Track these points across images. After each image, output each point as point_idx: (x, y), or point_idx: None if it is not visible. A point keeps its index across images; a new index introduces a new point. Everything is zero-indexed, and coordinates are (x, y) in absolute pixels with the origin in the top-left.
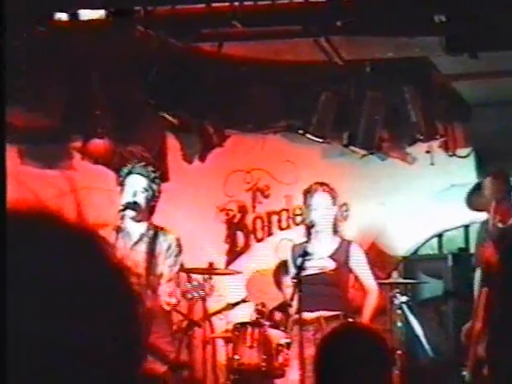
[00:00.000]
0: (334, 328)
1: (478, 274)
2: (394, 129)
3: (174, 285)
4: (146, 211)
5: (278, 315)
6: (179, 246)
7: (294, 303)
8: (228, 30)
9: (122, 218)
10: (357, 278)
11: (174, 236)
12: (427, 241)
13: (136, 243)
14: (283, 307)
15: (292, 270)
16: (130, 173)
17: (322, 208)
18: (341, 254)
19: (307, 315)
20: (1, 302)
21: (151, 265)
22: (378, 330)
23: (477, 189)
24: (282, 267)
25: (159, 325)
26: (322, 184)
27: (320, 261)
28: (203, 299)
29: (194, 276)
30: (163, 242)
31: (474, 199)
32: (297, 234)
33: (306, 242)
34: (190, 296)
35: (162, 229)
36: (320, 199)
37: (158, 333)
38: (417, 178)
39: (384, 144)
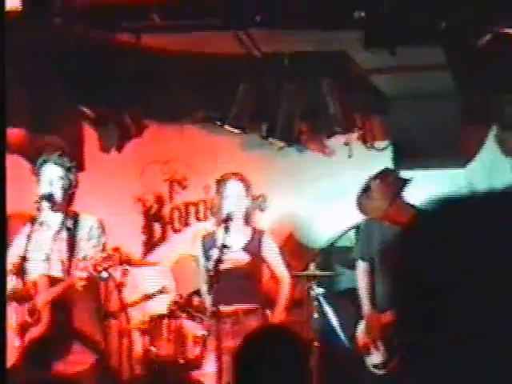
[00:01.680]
0: (250, 331)
1: (360, 266)
2: (312, 121)
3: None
4: (63, 201)
5: (195, 300)
6: (101, 227)
7: (210, 296)
8: (146, 21)
9: (39, 208)
10: (270, 269)
11: (94, 218)
12: (345, 233)
13: (58, 232)
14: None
15: (202, 262)
16: (45, 162)
17: (233, 196)
18: (254, 246)
19: (225, 308)
20: (1, 303)
21: (74, 250)
22: (291, 324)
23: (366, 190)
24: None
25: (82, 310)
26: (235, 173)
27: (233, 253)
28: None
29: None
30: (85, 227)
31: (363, 202)
32: (213, 225)
33: (221, 232)
34: (100, 268)
35: (81, 214)
36: (232, 187)
37: (82, 319)
38: (335, 170)
39: (302, 136)
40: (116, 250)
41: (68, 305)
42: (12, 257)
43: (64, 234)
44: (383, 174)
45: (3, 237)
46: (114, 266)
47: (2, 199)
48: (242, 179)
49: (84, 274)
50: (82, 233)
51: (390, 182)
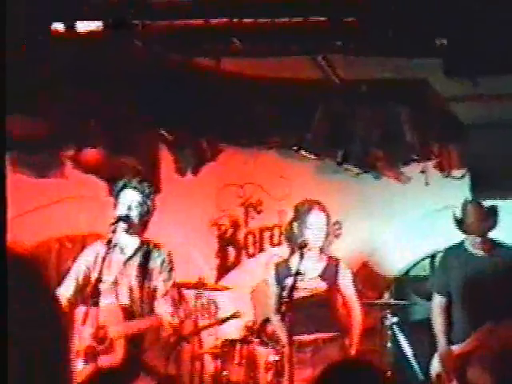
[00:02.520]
0: (330, 363)
1: (437, 300)
2: (388, 148)
3: (171, 301)
4: (139, 226)
5: (270, 328)
6: (172, 261)
7: (283, 324)
8: (226, 45)
9: (114, 230)
10: (343, 297)
11: (166, 251)
12: (419, 261)
13: (130, 258)
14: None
15: (273, 289)
16: (125, 186)
17: (316, 228)
18: (330, 274)
19: (304, 337)
20: (1, 304)
21: (145, 279)
22: (365, 353)
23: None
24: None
25: (151, 340)
26: (317, 202)
27: (310, 281)
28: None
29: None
30: (157, 258)
31: (461, 221)
32: (288, 252)
33: (297, 259)
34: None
35: (155, 245)
36: (316, 218)
37: (151, 349)
38: (411, 197)
39: (378, 163)
40: (200, 279)
41: (143, 339)
42: (78, 268)
43: (136, 261)
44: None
45: (3, 238)
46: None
47: (2, 203)
48: (325, 209)
49: (175, 321)
50: (154, 263)
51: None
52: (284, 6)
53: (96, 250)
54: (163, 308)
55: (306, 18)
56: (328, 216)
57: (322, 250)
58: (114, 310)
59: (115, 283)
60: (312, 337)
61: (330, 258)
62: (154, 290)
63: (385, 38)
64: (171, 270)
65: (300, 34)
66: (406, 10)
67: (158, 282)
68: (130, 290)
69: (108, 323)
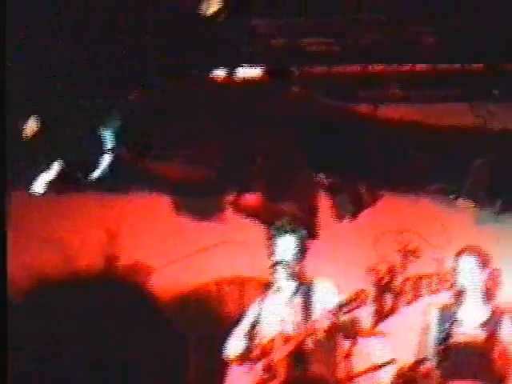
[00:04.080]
0: None
1: None
2: None
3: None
4: (296, 269)
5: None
6: (337, 292)
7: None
8: (384, 91)
9: (273, 273)
10: (503, 349)
11: (330, 282)
12: None
13: (292, 297)
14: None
15: (435, 332)
16: (281, 230)
17: (466, 271)
18: (492, 325)
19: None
20: (1, 304)
21: (309, 312)
22: None
23: None
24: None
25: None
26: (470, 247)
27: (470, 329)
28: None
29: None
30: (321, 289)
31: None
32: (446, 299)
33: (455, 306)
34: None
35: (316, 279)
36: (466, 262)
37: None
38: None
39: None
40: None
41: (305, 356)
42: (246, 323)
43: (298, 299)
44: None
45: (4, 241)
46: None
47: (2, 200)
48: (477, 252)
49: (326, 324)
50: (318, 295)
51: None
52: (442, 52)
53: (258, 303)
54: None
55: (464, 64)
56: (482, 260)
57: (487, 299)
58: (277, 339)
59: (281, 321)
60: None
61: (495, 309)
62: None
63: None
64: (336, 297)
65: (458, 81)
66: None
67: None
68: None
69: (272, 352)
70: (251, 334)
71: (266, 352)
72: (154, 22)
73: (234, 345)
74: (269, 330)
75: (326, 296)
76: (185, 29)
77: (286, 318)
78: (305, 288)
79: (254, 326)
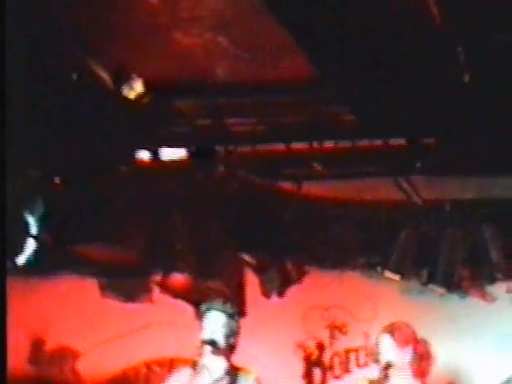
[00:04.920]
0: None
1: None
2: (473, 267)
3: None
4: (225, 348)
5: None
6: None
7: None
8: (307, 169)
9: (200, 354)
10: None
11: (254, 377)
12: (509, 382)
13: (219, 379)
14: None
15: None
16: (209, 309)
17: (385, 349)
18: None
19: None
20: (1, 305)
21: None
22: None
23: None
24: None
25: None
26: (389, 325)
27: None
28: None
29: None
30: (244, 382)
31: None
32: (375, 372)
33: (383, 381)
34: None
35: (242, 370)
36: (384, 341)
37: None
38: (497, 317)
39: (463, 283)
40: None
41: None
42: None
43: (225, 382)
44: None
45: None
46: None
47: (2, 203)
48: (397, 332)
49: None
50: None
51: None
52: (363, 128)
53: (185, 374)
54: None
55: (386, 140)
56: (399, 337)
57: (416, 373)
58: None
59: None
60: None
61: (423, 382)
62: None
63: (465, 157)
64: None
65: (380, 157)
66: (484, 129)
67: None
68: None
69: None
70: None
71: None
72: (73, 107)
73: None
74: None
75: None
76: (108, 113)
77: None
78: (232, 375)
79: None
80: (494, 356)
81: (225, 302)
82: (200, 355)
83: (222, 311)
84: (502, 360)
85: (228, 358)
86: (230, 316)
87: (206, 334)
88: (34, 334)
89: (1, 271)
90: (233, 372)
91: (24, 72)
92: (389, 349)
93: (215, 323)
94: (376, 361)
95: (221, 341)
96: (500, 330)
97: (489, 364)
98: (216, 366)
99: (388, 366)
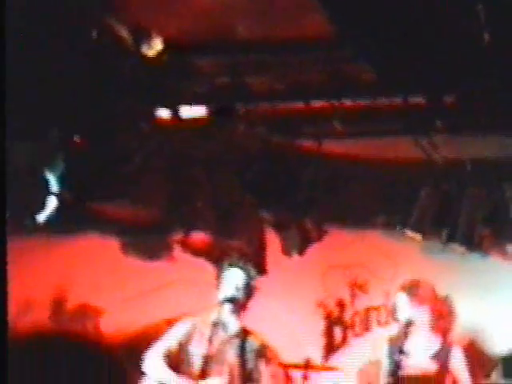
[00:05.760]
0: None
1: None
2: (494, 226)
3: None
4: (241, 307)
5: None
6: (263, 352)
7: None
8: (327, 127)
9: (220, 311)
10: (454, 379)
11: (261, 343)
12: None
13: (231, 337)
14: None
15: (385, 364)
16: (230, 267)
17: (401, 307)
18: (442, 356)
19: None
20: (1, 305)
21: (244, 360)
22: None
23: None
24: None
25: None
26: (407, 283)
27: (421, 361)
28: None
29: None
30: (250, 349)
31: None
32: (395, 331)
33: (403, 338)
34: None
35: (252, 333)
36: (399, 299)
37: None
38: None
39: (484, 242)
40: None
41: None
42: (168, 340)
43: (237, 341)
44: None
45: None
46: None
47: (2, 203)
48: (414, 289)
49: None
50: (249, 350)
51: None
52: (383, 87)
53: (193, 323)
54: None
55: (406, 98)
56: (416, 295)
57: (435, 330)
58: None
59: (212, 357)
60: None
61: (445, 340)
62: (250, 373)
63: (485, 115)
64: (261, 364)
65: (400, 115)
66: (504, 88)
67: (255, 368)
68: (229, 366)
69: None
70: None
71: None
72: (93, 66)
73: (154, 360)
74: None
75: (256, 358)
76: (127, 71)
77: (220, 356)
78: (242, 337)
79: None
80: None
81: (246, 262)
82: (219, 313)
83: (244, 270)
84: None
85: (241, 316)
86: (251, 276)
87: (227, 292)
88: (56, 291)
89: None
90: (243, 334)
91: (45, 30)
92: (405, 307)
93: (236, 281)
94: (395, 319)
95: (241, 298)
96: None
97: (509, 321)
98: (232, 322)
99: (408, 324)
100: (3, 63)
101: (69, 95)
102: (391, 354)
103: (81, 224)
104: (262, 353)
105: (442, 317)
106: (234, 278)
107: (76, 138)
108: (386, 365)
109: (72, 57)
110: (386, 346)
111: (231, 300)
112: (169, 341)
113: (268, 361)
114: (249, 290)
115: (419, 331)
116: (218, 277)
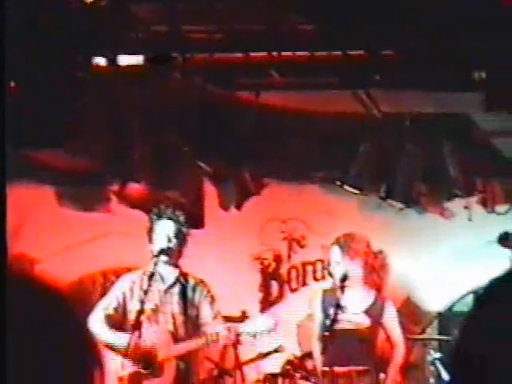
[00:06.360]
0: None
1: None
2: (432, 183)
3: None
4: (176, 255)
5: (310, 363)
6: (211, 293)
7: (323, 355)
8: (266, 79)
9: (156, 263)
10: (386, 333)
11: (202, 281)
12: (462, 297)
13: (170, 286)
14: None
15: (319, 317)
16: (159, 217)
17: (335, 261)
18: (375, 310)
19: (338, 369)
20: (1, 305)
21: (187, 306)
22: None
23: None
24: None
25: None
26: (341, 236)
27: (354, 316)
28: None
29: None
30: (196, 291)
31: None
32: (330, 284)
33: (338, 292)
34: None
35: (190, 275)
36: (333, 253)
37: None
38: (454, 233)
39: (422, 198)
40: (243, 313)
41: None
42: (111, 296)
43: (176, 289)
44: None
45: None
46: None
47: (1, 202)
48: (347, 243)
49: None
50: (194, 295)
51: None
52: (322, 39)
53: (132, 279)
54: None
55: (345, 51)
56: (344, 250)
57: (368, 284)
58: (162, 335)
59: (156, 310)
60: (345, 369)
61: (378, 294)
62: (197, 317)
63: (424, 71)
64: (213, 302)
65: (339, 68)
66: (445, 43)
67: (204, 313)
68: (173, 316)
69: (157, 347)
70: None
71: (145, 349)
72: (29, 13)
73: (95, 323)
74: (148, 318)
75: (203, 303)
76: (65, 17)
77: (160, 307)
78: (183, 280)
79: (138, 315)
80: (451, 271)
81: (174, 210)
82: (155, 265)
83: (173, 219)
84: (458, 275)
85: (177, 263)
86: (181, 222)
87: (160, 243)
88: None
89: None
90: (183, 278)
91: None
92: (338, 261)
93: (167, 231)
94: (331, 274)
95: (174, 248)
96: (457, 246)
97: (445, 278)
98: (168, 272)
99: (343, 279)
100: None
101: (4, 42)
102: (326, 308)
103: (17, 173)
104: (204, 291)
105: (375, 271)
106: (164, 229)
107: (12, 84)
108: (320, 318)
109: (8, 4)
110: (320, 300)
111: (165, 251)
112: (108, 301)
113: (212, 301)
114: (181, 238)
115: (353, 285)
116: (150, 229)
